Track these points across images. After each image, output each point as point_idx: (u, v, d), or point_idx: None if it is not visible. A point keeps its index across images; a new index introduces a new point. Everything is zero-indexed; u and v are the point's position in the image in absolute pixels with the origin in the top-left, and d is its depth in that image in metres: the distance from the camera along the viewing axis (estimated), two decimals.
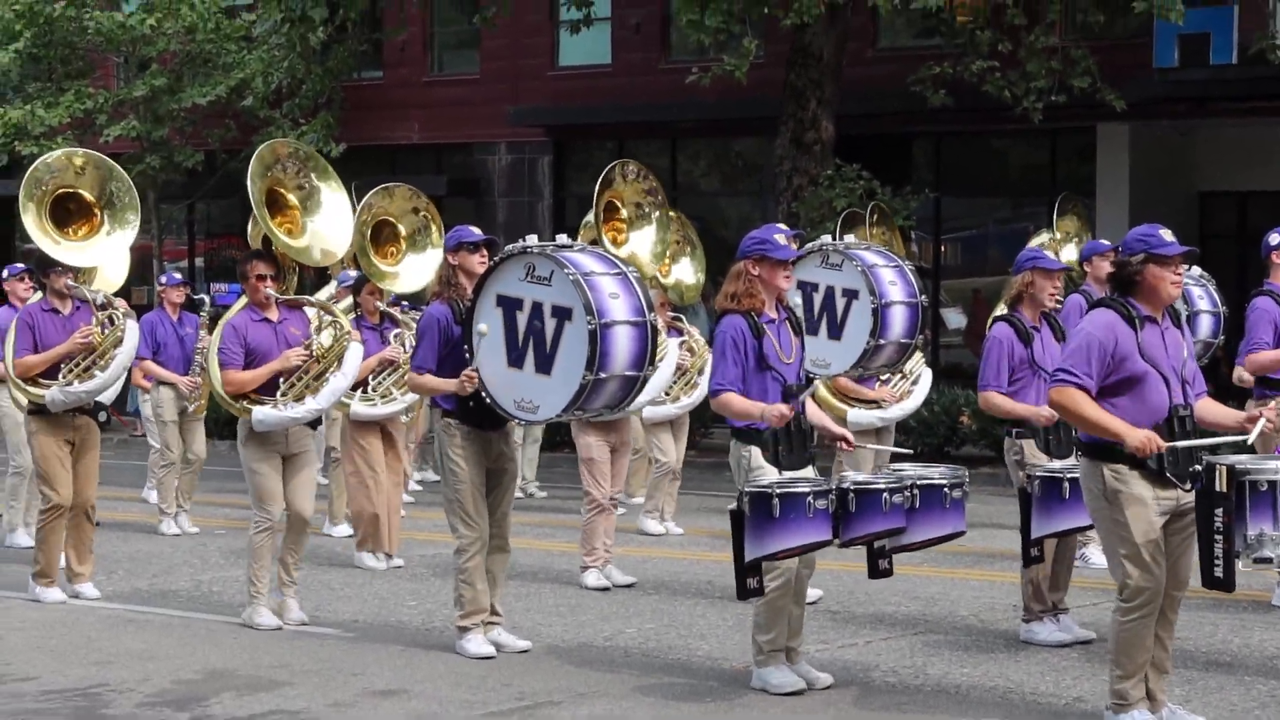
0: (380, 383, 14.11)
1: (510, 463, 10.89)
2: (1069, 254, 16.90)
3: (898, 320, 11.49)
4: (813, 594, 11.27)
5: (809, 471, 9.60)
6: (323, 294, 14.78)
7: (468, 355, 10.23)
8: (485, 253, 10.65)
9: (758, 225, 10.39)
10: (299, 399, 11.62)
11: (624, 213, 14.68)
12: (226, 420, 20.89)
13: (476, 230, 10.92)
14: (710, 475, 20.34)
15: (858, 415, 14.14)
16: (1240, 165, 24.03)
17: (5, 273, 16.15)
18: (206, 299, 17.57)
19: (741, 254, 9.70)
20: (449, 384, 10.37)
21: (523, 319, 10.01)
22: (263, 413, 11.49)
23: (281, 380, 11.64)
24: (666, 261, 15.58)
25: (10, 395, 14.47)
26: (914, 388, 14.61)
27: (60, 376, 12.48)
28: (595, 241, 13.82)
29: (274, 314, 11.75)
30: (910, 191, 23.85)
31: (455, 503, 10.62)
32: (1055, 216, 17.48)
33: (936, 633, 11.29)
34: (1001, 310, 11.39)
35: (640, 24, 28.11)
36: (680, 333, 15.40)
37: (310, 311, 12.21)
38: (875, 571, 9.52)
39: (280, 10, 26.05)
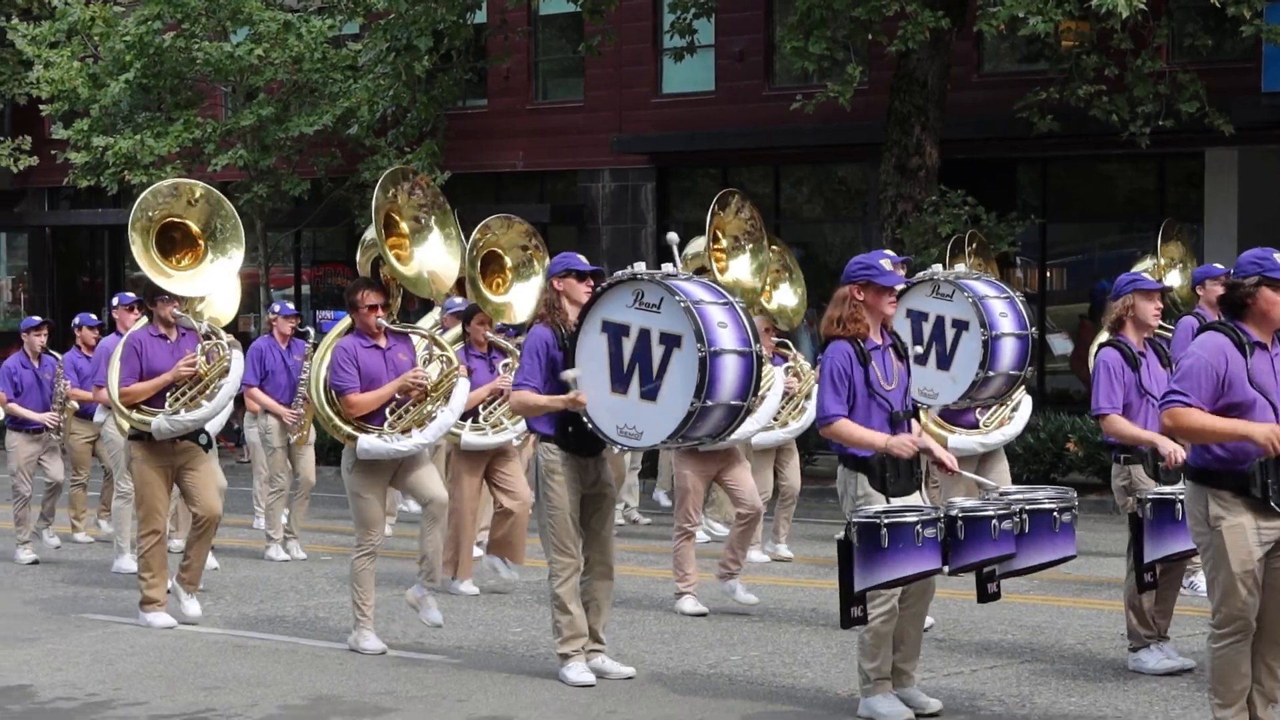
0: (491, 412, 14.08)
1: (609, 488, 10.82)
2: (1173, 279, 16.72)
3: (1007, 352, 11.42)
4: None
5: (916, 498, 9.55)
6: (426, 321, 14.77)
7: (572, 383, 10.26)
8: (592, 281, 10.61)
9: (861, 252, 10.40)
10: (405, 431, 11.66)
11: (724, 243, 14.71)
12: (332, 446, 21.01)
13: (583, 259, 10.91)
14: (814, 501, 20.28)
15: (959, 441, 14.05)
16: None
17: (116, 301, 16.33)
18: (312, 330, 17.63)
19: (847, 279, 9.67)
20: (557, 400, 10.34)
21: (629, 345, 10.00)
22: (368, 443, 11.56)
23: (389, 411, 11.68)
24: (767, 289, 15.61)
25: (115, 421, 14.50)
26: (1014, 414, 14.49)
27: (166, 405, 12.59)
28: (703, 270, 13.88)
29: (383, 341, 11.80)
30: (1015, 217, 23.70)
31: (549, 528, 10.59)
32: (1159, 241, 17.28)
33: (1043, 661, 11.21)
34: (1105, 337, 11.29)
35: (743, 51, 28.10)
36: (785, 358, 15.38)
37: (418, 340, 12.25)
38: (984, 595, 9.47)
39: (386, 40, 26.25)
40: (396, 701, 10.17)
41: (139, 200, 12.86)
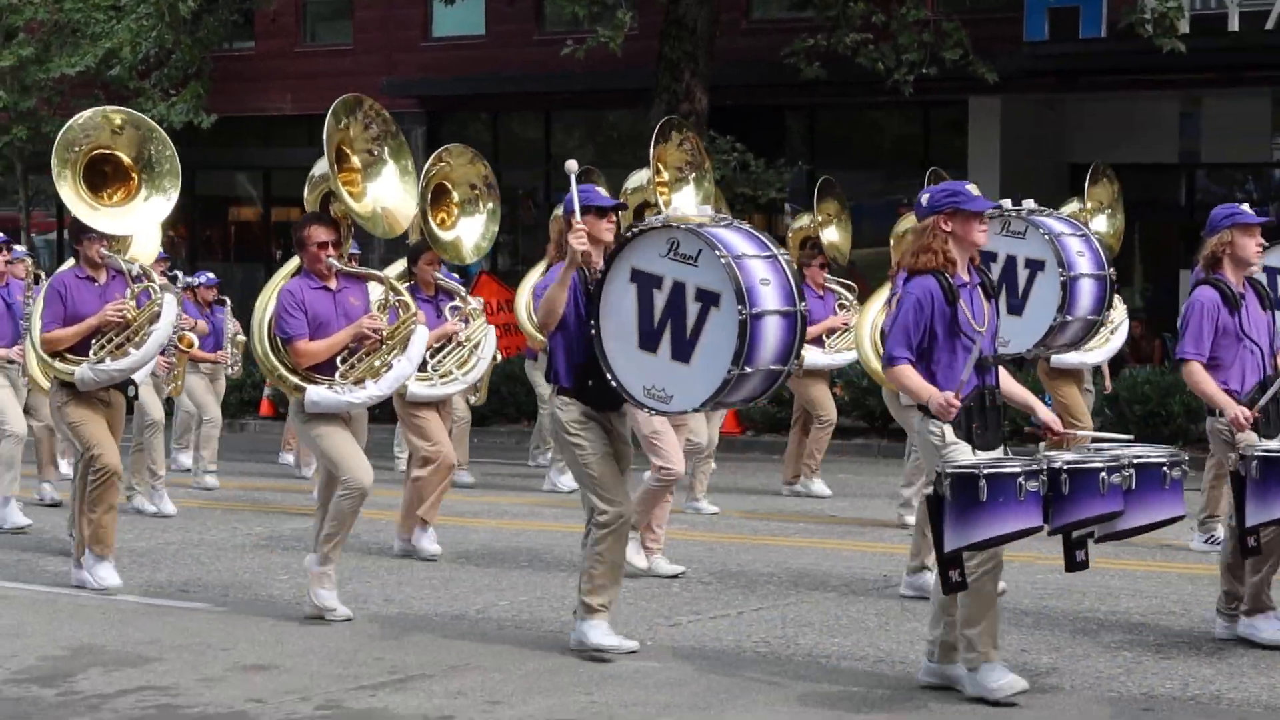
0: (441, 362, 13.43)
1: (627, 446, 9.91)
2: (1100, 224, 16.16)
3: (1085, 295, 10.56)
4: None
5: (999, 453, 8.74)
6: (392, 270, 13.66)
7: (594, 333, 9.35)
8: (614, 218, 9.82)
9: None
10: (359, 382, 10.83)
11: (666, 175, 14.33)
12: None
13: (604, 192, 10.04)
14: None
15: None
16: (1109, 138, 24.26)
17: None
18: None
19: (931, 209, 8.84)
20: (566, 272, 9.40)
21: (660, 299, 9.09)
22: (318, 394, 10.69)
23: (340, 361, 10.80)
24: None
25: (34, 371, 13.87)
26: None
27: (91, 353, 11.71)
28: (646, 205, 13.99)
29: (334, 283, 10.89)
30: (784, 163, 23.93)
31: (587, 478, 9.66)
32: (1087, 185, 16.67)
33: (807, 604, 11.35)
34: (1200, 274, 10.30)
35: None
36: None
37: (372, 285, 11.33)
38: (1072, 564, 8.57)
39: None
40: (160, 650, 10.03)
41: (63, 133, 11.84)
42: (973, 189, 8.87)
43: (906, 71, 22.18)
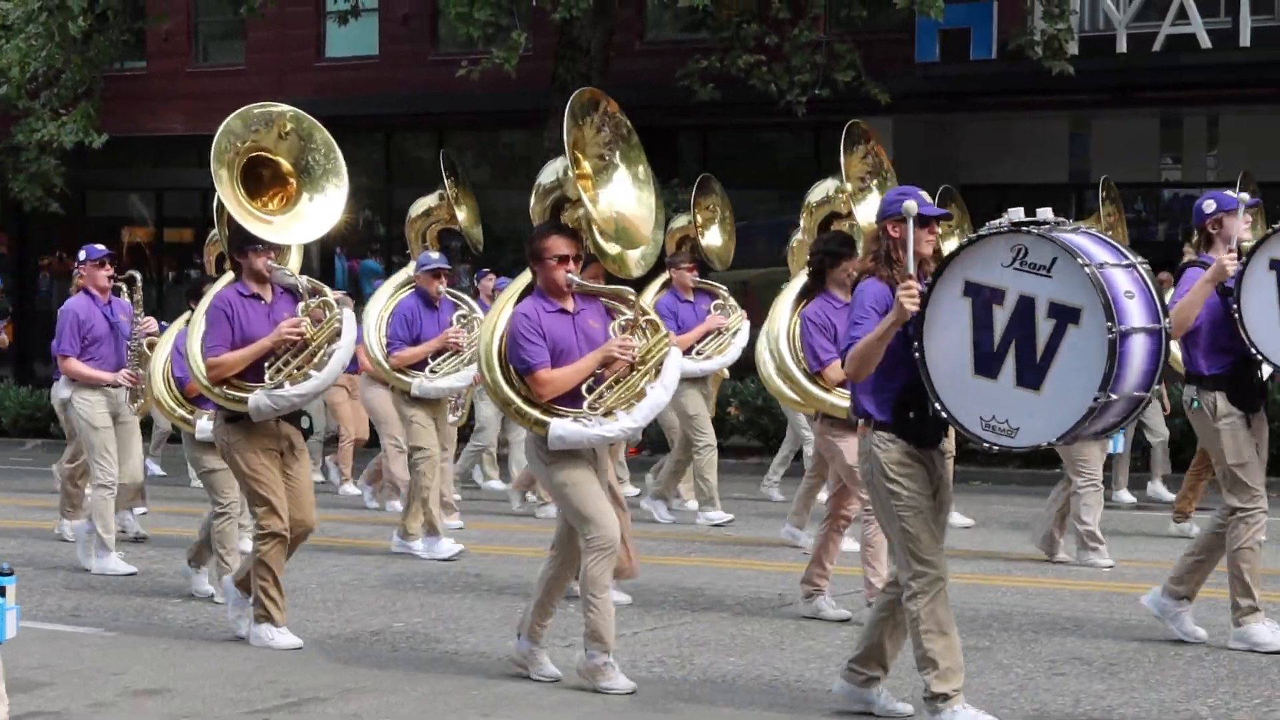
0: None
1: (948, 489, 8.63)
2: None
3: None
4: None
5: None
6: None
7: (917, 355, 8.15)
8: (937, 228, 8.53)
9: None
10: (609, 413, 9.45)
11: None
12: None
13: (927, 197, 8.56)
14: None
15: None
16: (999, 158, 24.51)
17: (84, 255, 14.15)
18: None
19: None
20: (887, 323, 8.09)
21: (1002, 315, 7.90)
22: (563, 428, 9.32)
23: (585, 390, 9.48)
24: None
25: (159, 400, 12.64)
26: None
27: (266, 378, 10.49)
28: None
29: (570, 304, 9.59)
30: (677, 184, 23.99)
31: (903, 533, 8.31)
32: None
33: (704, 623, 11.37)
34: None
35: (408, 16, 27.99)
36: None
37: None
38: None
39: None
40: (52, 675, 9.92)
41: (221, 133, 10.66)
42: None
43: (799, 93, 22.32)
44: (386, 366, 14.35)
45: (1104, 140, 25.00)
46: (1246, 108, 23.22)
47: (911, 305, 8.00)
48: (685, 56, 23.49)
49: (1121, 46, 22.85)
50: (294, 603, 12.10)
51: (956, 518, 15.10)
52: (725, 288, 16.67)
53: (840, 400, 10.97)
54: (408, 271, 14.87)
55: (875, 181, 13.05)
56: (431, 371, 14.25)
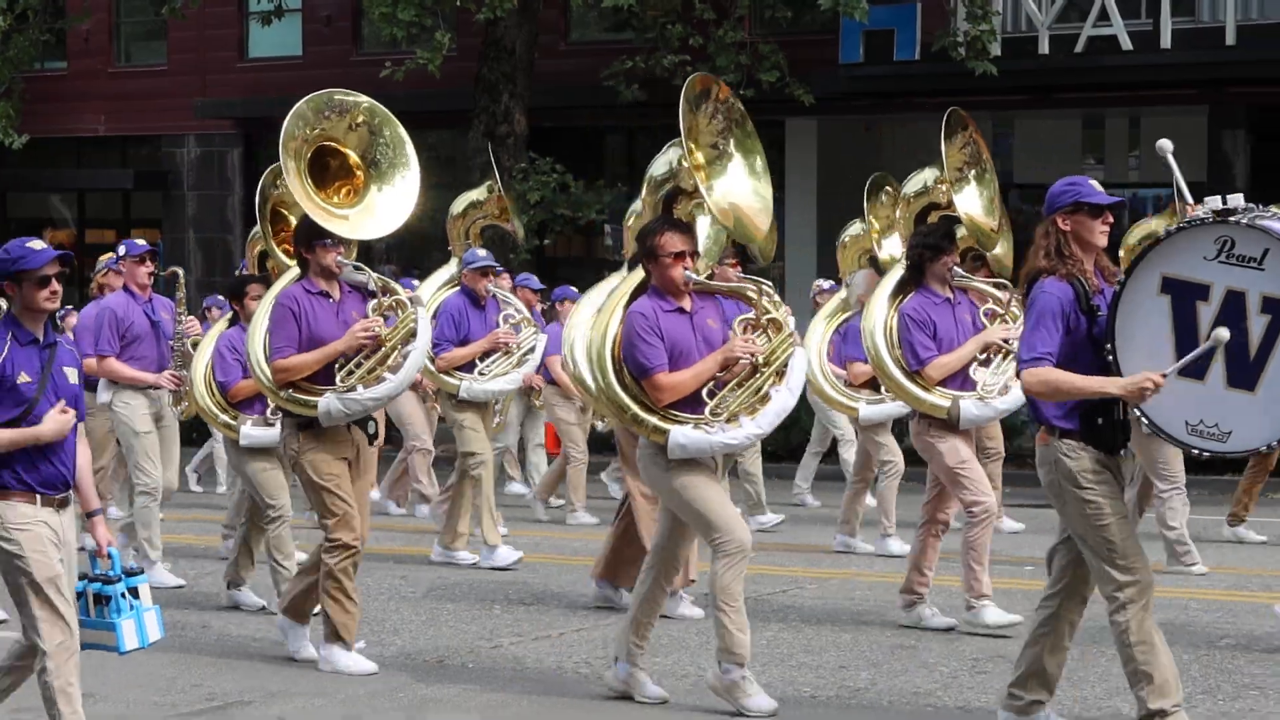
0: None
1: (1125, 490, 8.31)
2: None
3: None
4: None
5: None
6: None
7: (1110, 358, 7.63)
8: (1111, 218, 7.91)
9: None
10: (732, 419, 8.96)
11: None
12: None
13: (1098, 185, 8.00)
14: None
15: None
16: (924, 158, 24.52)
17: (124, 250, 13.28)
18: None
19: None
20: (1111, 385, 7.61)
21: (1207, 312, 7.43)
22: (685, 435, 8.85)
23: (706, 395, 8.97)
24: None
25: (222, 420, 11.88)
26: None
27: (338, 380, 9.90)
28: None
29: (688, 303, 9.11)
30: (603, 185, 24.02)
31: (1105, 542, 7.77)
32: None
33: None
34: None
35: (331, 16, 27.91)
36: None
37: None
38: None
39: None
40: None
41: (292, 115, 10.16)
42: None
43: None
44: (433, 368, 13.50)
45: (1027, 141, 25.14)
46: (1167, 108, 23.38)
47: (1147, 397, 7.53)
48: (610, 57, 23.50)
49: (1044, 48, 22.96)
50: (217, 605, 12.05)
51: (1006, 522, 15.06)
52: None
53: (940, 400, 10.76)
54: (450, 269, 14.21)
55: (974, 171, 12.54)
56: (480, 374, 13.65)
